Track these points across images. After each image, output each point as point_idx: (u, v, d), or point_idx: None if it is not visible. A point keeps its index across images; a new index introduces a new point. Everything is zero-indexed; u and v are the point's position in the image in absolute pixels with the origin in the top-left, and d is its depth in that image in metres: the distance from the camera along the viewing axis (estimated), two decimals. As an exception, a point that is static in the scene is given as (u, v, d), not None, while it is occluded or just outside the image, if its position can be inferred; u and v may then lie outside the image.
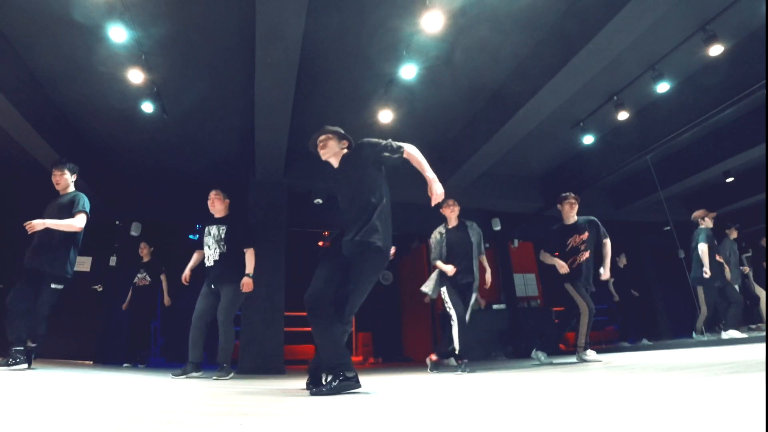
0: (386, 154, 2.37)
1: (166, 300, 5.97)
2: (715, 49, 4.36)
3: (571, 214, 4.33)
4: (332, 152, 2.53)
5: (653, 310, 8.51)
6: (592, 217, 4.33)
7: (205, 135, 6.06)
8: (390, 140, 2.42)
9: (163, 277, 6.00)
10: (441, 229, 4.34)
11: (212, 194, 4.05)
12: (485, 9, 4.05)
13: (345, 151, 2.55)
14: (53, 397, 1.83)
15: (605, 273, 4.18)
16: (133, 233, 6.73)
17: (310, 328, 2.27)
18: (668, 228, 7.29)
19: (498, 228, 7.91)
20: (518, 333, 7.38)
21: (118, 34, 3.84)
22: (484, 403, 1.53)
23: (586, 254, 4.16)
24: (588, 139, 6.20)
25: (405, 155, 2.40)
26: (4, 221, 6.45)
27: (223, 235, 3.81)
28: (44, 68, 4.60)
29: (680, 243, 6.96)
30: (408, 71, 4.47)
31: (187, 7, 3.92)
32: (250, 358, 5.28)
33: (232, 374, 3.72)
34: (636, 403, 1.27)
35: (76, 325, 5.82)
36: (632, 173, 7.46)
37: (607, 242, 4.23)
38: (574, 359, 4.25)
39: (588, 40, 3.94)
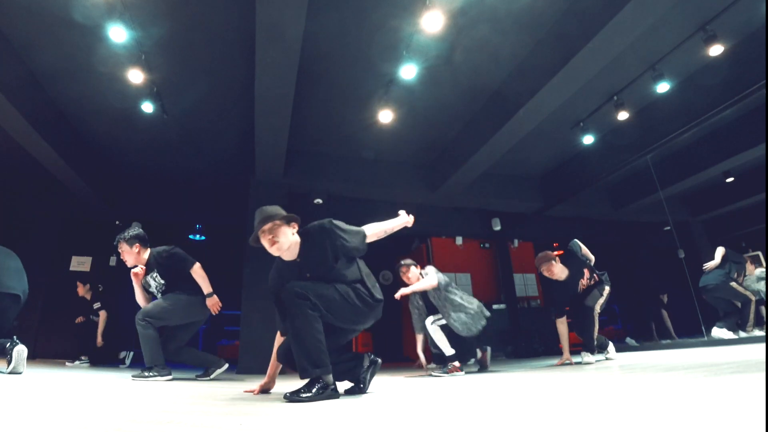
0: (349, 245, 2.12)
1: (99, 341, 5.56)
2: (715, 49, 4.36)
3: (556, 270, 4.05)
4: (283, 247, 2.07)
5: (653, 310, 8.51)
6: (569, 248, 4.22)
7: (205, 135, 6.06)
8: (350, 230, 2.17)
9: (102, 314, 5.62)
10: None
11: (121, 249, 3.48)
12: (485, 9, 4.05)
13: (296, 237, 2.13)
14: (53, 397, 1.83)
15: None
16: (133, 233, 6.73)
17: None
18: (668, 228, 7.29)
19: (498, 228, 7.91)
20: (518, 333, 7.38)
21: (118, 34, 3.84)
22: (486, 403, 1.53)
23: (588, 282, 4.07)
24: (588, 139, 6.20)
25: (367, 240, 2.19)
26: (4, 221, 6.46)
27: (162, 281, 3.47)
28: (44, 68, 4.60)
29: (680, 243, 6.96)
30: (408, 71, 4.47)
31: (187, 7, 3.92)
32: (250, 358, 5.28)
33: (166, 376, 3.25)
34: (636, 403, 1.27)
35: (76, 325, 5.83)
36: (632, 173, 7.46)
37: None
38: None
39: (588, 40, 3.94)
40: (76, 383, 2.60)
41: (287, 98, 4.49)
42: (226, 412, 1.45)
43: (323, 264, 2.09)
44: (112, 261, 6.69)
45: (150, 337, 3.24)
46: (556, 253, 4.19)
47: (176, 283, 3.46)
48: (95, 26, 3.93)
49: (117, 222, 6.84)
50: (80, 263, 6.72)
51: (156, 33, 4.13)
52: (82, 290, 5.76)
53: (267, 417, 1.33)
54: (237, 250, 7.02)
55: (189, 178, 7.01)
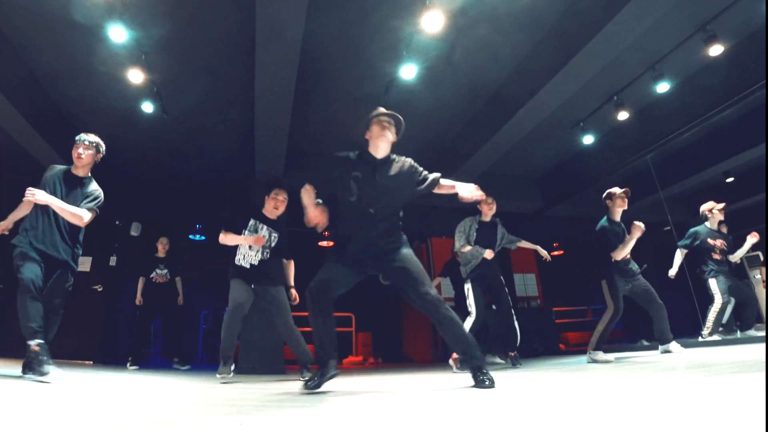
0: (421, 189, 2.58)
1: (180, 300, 5.80)
2: (715, 49, 4.36)
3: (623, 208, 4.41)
4: (389, 140, 2.48)
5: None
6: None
7: (205, 135, 6.06)
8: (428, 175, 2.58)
9: (178, 279, 5.83)
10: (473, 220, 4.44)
11: (281, 197, 3.73)
12: (485, 9, 4.05)
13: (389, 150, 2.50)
14: (53, 397, 1.83)
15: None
16: (133, 233, 6.73)
17: (310, 328, 2.26)
18: (668, 228, 7.27)
19: (498, 228, 7.91)
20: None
21: (118, 34, 3.85)
22: (487, 403, 1.53)
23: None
24: (588, 139, 6.20)
25: (436, 189, 2.59)
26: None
27: (273, 243, 3.64)
28: (44, 68, 4.60)
29: (680, 243, 6.93)
30: (408, 71, 4.47)
31: (187, 7, 3.92)
32: (250, 358, 5.27)
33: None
34: (636, 402, 1.27)
35: (76, 325, 5.82)
36: (632, 173, 7.45)
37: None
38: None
39: (588, 40, 3.94)
40: (76, 384, 2.60)
41: (287, 98, 4.50)
42: (226, 412, 1.45)
43: (401, 185, 2.46)
44: (112, 261, 6.68)
45: None
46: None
47: (273, 261, 3.71)
48: (95, 26, 3.93)
49: (117, 222, 6.84)
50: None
51: (156, 33, 4.13)
52: (162, 248, 5.87)
53: (267, 417, 1.33)
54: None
55: (189, 178, 7.01)
